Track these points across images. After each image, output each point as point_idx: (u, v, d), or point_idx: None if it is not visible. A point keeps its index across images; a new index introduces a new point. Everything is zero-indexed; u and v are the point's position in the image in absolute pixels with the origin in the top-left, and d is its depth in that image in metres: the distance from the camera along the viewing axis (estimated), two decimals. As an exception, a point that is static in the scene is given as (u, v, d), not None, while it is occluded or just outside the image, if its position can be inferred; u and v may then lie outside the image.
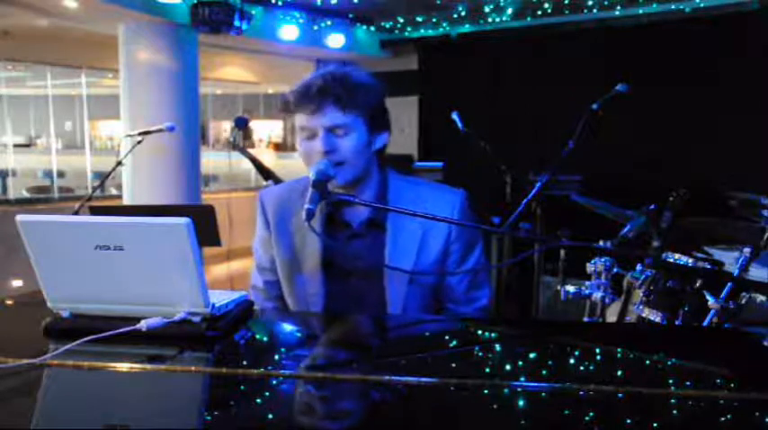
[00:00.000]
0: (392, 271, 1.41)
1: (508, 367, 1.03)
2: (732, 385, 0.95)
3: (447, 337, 1.27)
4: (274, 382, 0.93)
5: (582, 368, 1.03)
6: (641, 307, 2.25)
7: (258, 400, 0.89)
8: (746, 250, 2.02)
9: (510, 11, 6.64)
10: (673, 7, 6.00)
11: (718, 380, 0.98)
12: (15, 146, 9.78)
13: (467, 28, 7.23)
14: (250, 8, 6.03)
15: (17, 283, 5.42)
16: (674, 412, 0.86)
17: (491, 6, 6.53)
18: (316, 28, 7.07)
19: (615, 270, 2.13)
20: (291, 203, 1.51)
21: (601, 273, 2.10)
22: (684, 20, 5.91)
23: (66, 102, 10.08)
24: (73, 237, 1.06)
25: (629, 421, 0.84)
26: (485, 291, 1.54)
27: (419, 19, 7.13)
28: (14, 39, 7.23)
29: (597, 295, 2.08)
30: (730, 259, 2.30)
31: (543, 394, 0.89)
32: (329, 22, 7.10)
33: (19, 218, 1.06)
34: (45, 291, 1.10)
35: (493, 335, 1.25)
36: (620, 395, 0.87)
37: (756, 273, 2.19)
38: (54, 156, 8.62)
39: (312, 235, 1.43)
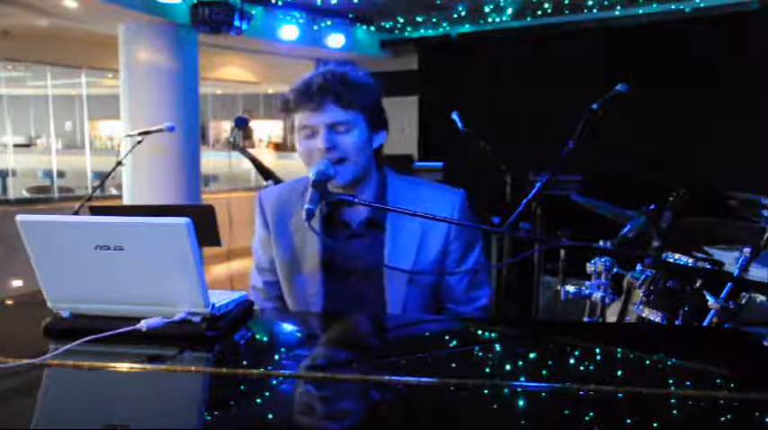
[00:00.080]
0: (391, 271, 1.41)
1: (508, 367, 1.03)
2: (732, 385, 0.95)
3: (447, 337, 1.27)
4: (274, 382, 0.93)
5: (582, 368, 1.03)
6: (641, 307, 2.25)
7: (258, 400, 0.89)
8: (746, 250, 2.02)
9: (510, 11, 6.65)
10: (673, 7, 6.00)
11: (718, 380, 0.98)
12: (15, 146, 9.78)
13: (467, 28, 7.23)
14: (250, 8, 6.03)
15: (17, 283, 5.43)
16: (674, 412, 0.86)
17: (491, 6, 6.53)
18: (316, 28, 7.07)
19: (615, 270, 2.13)
20: (291, 204, 1.51)
21: (601, 273, 2.10)
22: (684, 20, 5.92)
23: (66, 102, 10.08)
24: (73, 237, 1.06)
25: (629, 421, 0.84)
26: (485, 290, 1.54)
27: (419, 19, 7.13)
28: (14, 39, 7.23)
29: (597, 295, 2.08)
30: (730, 259, 2.30)
31: (543, 394, 0.89)
32: (329, 22, 7.10)
33: (19, 218, 1.06)
34: (45, 291, 1.10)
35: (493, 335, 1.25)
36: (620, 395, 0.87)
37: (756, 273, 2.19)
38: (54, 156, 8.62)
39: (311, 235, 1.43)
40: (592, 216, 2.54)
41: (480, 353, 1.10)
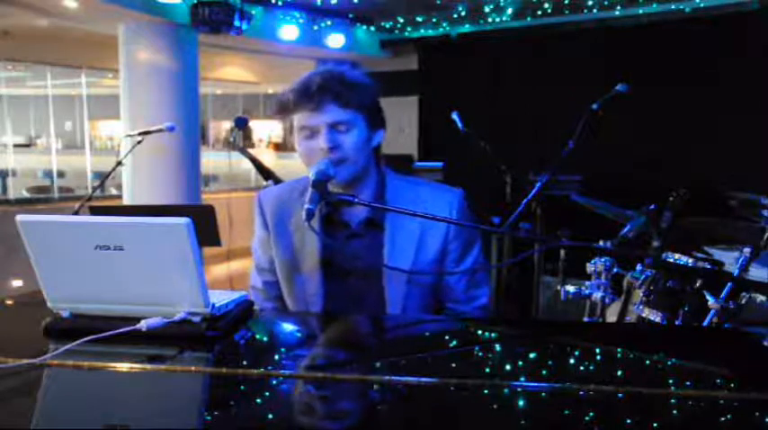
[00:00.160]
0: (391, 270, 1.41)
1: (508, 367, 1.03)
2: (732, 385, 0.95)
3: (447, 337, 1.27)
4: (274, 382, 0.93)
5: (582, 368, 1.03)
6: (641, 307, 2.25)
7: (258, 400, 0.89)
8: (746, 250, 2.02)
9: (510, 11, 6.65)
10: (673, 7, 6.00)
11: (718, 380, 0.98)
12: (15, 146, 9.78)
13: (467, 28, 7.23)
14: (250, 8, 6.03)
15: (17, 283, 5.43)
16: (674, 412, 0.86)
17: (491, 6, 6.54)
18: (316, 28, 7.07)
19: (615, 270, 2.13)
20: (290, 204, 1.51)
21: (601, 273, 2.10)
22: (684, 20, 5.92)
23: (66, 102, 10.09)
24: (73, 237, 1.06)
25: (629, 421, 0.84)
26: (484, 289, 1.54)
27: (419, 19, 7.13)
28: (14, 39, 7.23)
29: (597, 295, 2.08)
30: (730, 259, 2.30)
31: (543, 394, 0.89)
32: (329, 22, 7.10)
33: (19, 218, 1.06)
34: (45, 291, 1.10)
35: (493, 335, 1.25)
36: (620, 395, 0.87)
37: (756, 273, 2.19)
38: (54, 156, 8.62)
39: (311, 235, 1.43)
40: (592, 216, 2.53)
41: (480, 353, 1.10)
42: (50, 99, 8.77)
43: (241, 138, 2.94)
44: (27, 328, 1.20)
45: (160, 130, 2.92)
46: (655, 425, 0.83)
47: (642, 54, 5.83)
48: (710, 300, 2.01)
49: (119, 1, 5.22)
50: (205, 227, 2.61)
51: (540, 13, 6.56)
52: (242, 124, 2.84)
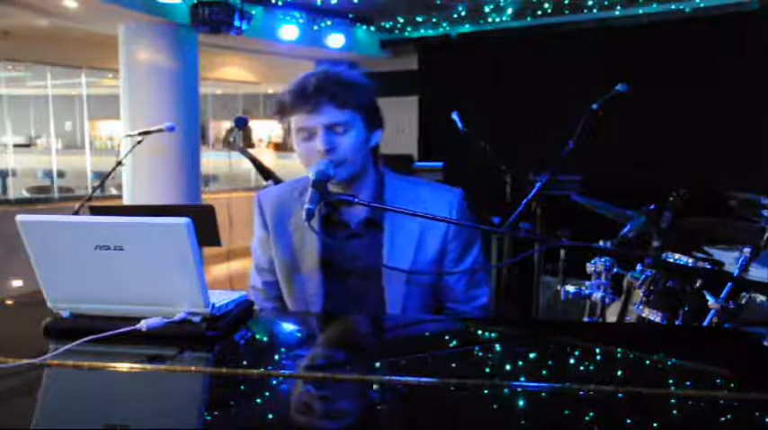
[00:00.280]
0: (390, 270, 1.41)
1: (508, 367, 1.03)
2: (732, 385, 0.95)
3: (447, 337, 1.27)
4: (274, 382, 0.93)
5: (582, 368, 1.03)
6: (641, 307, 2.25)
7: (258, 400, 0.89)
8: (746, 250, 2.02)
9: (510, 11, 6.65)
10: (673, 7, 6.00)
11: (718, 380, 0.98)
12: (15, 146, 9.78)
13: (467, 28, 7.23)
14: (250, 8, 6.03)
15: (17, 283, 5.43)
16: (674, 412, 0.86)
17: (491, 6, 6.54)
18: (316, 28, 7.07)
19: (615, 270, 2.13)
20: (290, 204, 1.51)
21: (601, 273, 2.10)
22: (684, 20, 5.92)
23: (67, 102, 10.09)
24: (73, 237, 1.06)
25: (629, 421, 0.84)
26: (484, 289, 1.54)
27: (419, 19, 7.13)
28: (14, 39, 7.23)
29: (597, 295, 2.08)
30: (730, 259, 2.30)
31: (543, 394, 0.89)
32: (329, 22, 7.10)
33: (19, 218, 1.06)
34: (45, 291, 1.10)
35: (493, 335, 1.25)
36: (620, 395, 0.87)
37: (756, 273, 2.19)
38: (54, 156, 8.62)
39: (311, 235, 1.43)
40: (592, 216, 2.53)
41: (480, 353, 1.10)
42: (50, 99, 8.76)
43: (241, 138, 2.93)
44: (27, 328, 1.20)
45: (160, 130, 2.92)
46: (655, 425, 0.83)
47: (642, 54, 5.83)
48: (710, 300, 2.01)
49: (119, 1, 5.22)
50: (205, 227, 2.61)
51: (540, 13, 6.56)
52: (242, 124, 2.84)
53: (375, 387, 0.92)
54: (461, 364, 1.04)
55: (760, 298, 2.20)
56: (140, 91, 5.83)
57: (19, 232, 1.06)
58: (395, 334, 1.32)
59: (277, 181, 2.52)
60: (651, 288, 2.23)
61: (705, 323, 2.03)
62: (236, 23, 5.56)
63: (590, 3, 6.22)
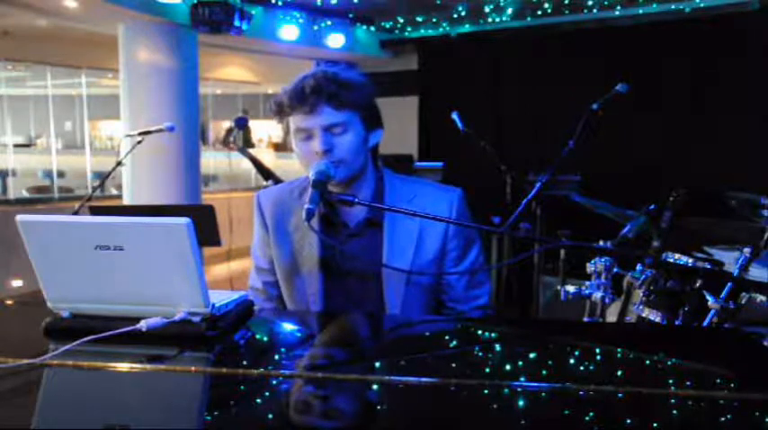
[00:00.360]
0: (390, 271, 1.41)
1: (508, 367, 1.03)
2: (732, 385, 0.95)
3: (447, 337, 1.27)
4: (274, 382, 0.93)
5: (582, 368, 1.03)
6: (641, 307, 2.25)
7: (258, 400, 0.89)
8: (746, 250, 2.02)
9: (510, 11, 6.65)
10: (673, 7, 6.00)
11: (719, 380, 0.98)
12: (15, 146, 9.77)
13: (467, 28, 7.23)
14: (250, 8, 6.04)
15: (17, 283, 5.43)
16: (674, 412, 0.86)
17: (491, 6, 6.54)
18: (316, 28, 7.07)
19: (615, 270, 2.13)
20: (289, 204, 1.51)
21: (601, 273, 2.10)
22: (684, 20, 5.92)
23: (67, 102, 10.08)
24: (73, 237, 1.06)
25: (629, 421, 0.84)
26: (484, 289, 1.53)
27: (419, 19, 7.13)
28: (14, 39, 7.24)
29: (597, 295, 2.08)
30: (730, 259, 2.30)
31: (543, 394, 0.89)
32: (329, 22, 7.10)
33: (19, 218, 1.06)
34: (45, 291, 1.10)
35: (493, 335, 1.25)
36: (620, 395, 0.87)
37: (756, 273, 2.19)
38: (54, 156, 8.61)
39: (310, 235, 1.43)
40: (592, 216, 2.54)
41: (480, 353, 1.10)
42: (50, 99, 8.76)
43: (241, 139, 2.94)
44: (27, 328, 1.20)
45: (160, 130, 2.92)
46: (655, 425, 0.83)
47: (642, 54, 5.83)
48: (710, 300, 2.01)
49: (119, 1, 5.22)
50: (205, 227, 2.61)
51: (540, 13, 6.57)
52: (242, 124, 2.85)
53: (375, 387, 0.92)
54: (461, 364, 1.04)
55: (760, 298, 2.20)
56: (140, 91, 5.84)
57: (19, 232, 1.06)
58: (395, 334, 1.32)
59: (277, 181, 2.52)
60: (651, 288, 2.23)
61: (705, 323, 2.03)
62: (236, 23, 5.57)
63: (590, 3, 6.22)
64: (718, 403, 0.87)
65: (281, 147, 10.86)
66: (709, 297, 2.02)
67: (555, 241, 2.13)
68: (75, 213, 2.80)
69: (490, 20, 6.95)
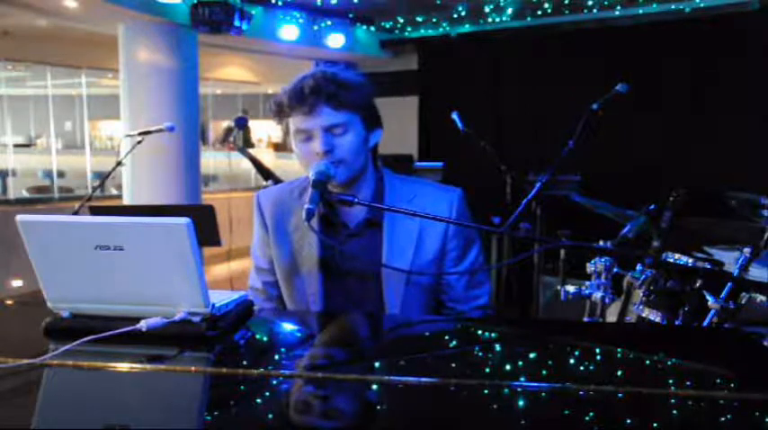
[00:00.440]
0: (390, 271, 1.41)
1: (508, 367, 1.03)
2: (732, 385, 0.95)
3: (447, 337, 1.27)
4: (274, 382, 0.93)
5: (582, 368, 1.03)
6: (641, 307, 2.25)
7: (258, 400, 0.89)
8: (746, 250, 2.02)
9: (510, 11, 6.65)
10: (673, 7, 6.00)
11: (719, 380, 0.98)
12: (15, 146, 9.77)
13: (467, 28, 7.23)
14: (250, 8, 6.04)
15: (17, 283, 5.43)
16: (674, 412, 0.86)
17: (491, 6, 6.54)
18: (316, 28, 7.07)
19: (615, 270, 2.13)
20: (289, 204, 1.51)
21: (601, 273, 2.10)
22: (684, 20, 5.92)
23: (67, 102, 10.08)
24: (73, 237, 1.06)
25: (629, 421, 0.84)
26: (484, 289, 1.53)
27: (419, 19, 7.13)
28: (14, 39, 7.24)
29: (597, 295, 2.08)
30: (730, 259, 2.30)
31: (543, 394, 0.89)
32: (329, 22, 7.10)
33: (19, 218, 1.06)
34: (45, 291, 1.10)
35: (493, 335, 1.25)
36: (620, 395, 0.87)
37: (756, 272, 2.19)
38: (54, 156, 8.61)
39: (310, 235, 1.43)
40: (592, 216, 2.54)
41: (480, 353, 1.10)
42: (50, 99, 8.76)
43: (241, 139, 2.94)
44: (27, 328, 1.20)
45: (160, 130, 2.92)
46: (655, 425, 0.83)
47: (642, 54, 5.83)
48: (710, 300, 2.01)
49: (119, 1, 5.23)
50: (205, 227, 2.61)
51: (540, 13, 6.57)
52: (242, 124, 2.85)
53: (375, 387, 0.92)
54: (461, 364, 1.04)
55: (760, 298, 2.20)
56: (140, 91, 5.84)
57: (19, 232, 1.06)
58: (395, 334, 1.32)
59: (277, 181, 2.52)
60: (651, 288, 2.23)
61: (705, 323, 2.03)
62: (236, 23, 5.57)
63: (590, 3, 6.22)
64: (719, 403, 0.87)
65: (280, 147, 10.86)
66: (709, 297, 2.02)
67: (555, 241, 2.13)
68: (76, 213, 2.80)
69: (490, 20, 6.95)
